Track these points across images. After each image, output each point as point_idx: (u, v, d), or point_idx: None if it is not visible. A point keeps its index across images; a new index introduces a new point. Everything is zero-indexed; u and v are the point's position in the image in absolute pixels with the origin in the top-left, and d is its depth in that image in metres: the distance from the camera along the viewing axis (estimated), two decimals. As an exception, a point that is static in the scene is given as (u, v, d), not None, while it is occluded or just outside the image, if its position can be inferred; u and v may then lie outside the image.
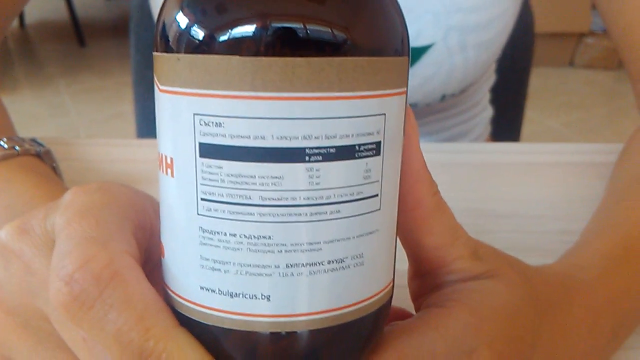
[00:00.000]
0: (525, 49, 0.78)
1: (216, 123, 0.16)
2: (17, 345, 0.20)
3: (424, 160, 0.20)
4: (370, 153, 0.17)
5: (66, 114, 2.13)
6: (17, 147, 0.32)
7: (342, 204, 0.17)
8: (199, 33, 0.16)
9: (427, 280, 0.22)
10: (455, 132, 0.61)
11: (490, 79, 0.66)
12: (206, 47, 0.16)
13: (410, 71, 0.47)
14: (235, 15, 0.16)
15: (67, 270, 0.17)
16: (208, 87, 0.16)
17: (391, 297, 0.20)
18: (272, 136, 0.16)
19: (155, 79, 0.17)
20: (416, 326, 0.20)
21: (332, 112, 0.16)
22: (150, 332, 0.17)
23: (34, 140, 0.34)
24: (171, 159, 0.17)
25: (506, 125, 0.76)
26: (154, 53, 0.18)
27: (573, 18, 2.44)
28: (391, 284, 0.20)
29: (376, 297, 0.19)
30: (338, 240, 0.17)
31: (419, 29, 0.45)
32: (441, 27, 0.45)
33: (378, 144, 0.17)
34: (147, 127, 0.75)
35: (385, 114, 0.17)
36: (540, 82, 2.47)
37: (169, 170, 0.17)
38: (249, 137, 0.16)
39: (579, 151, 0.48)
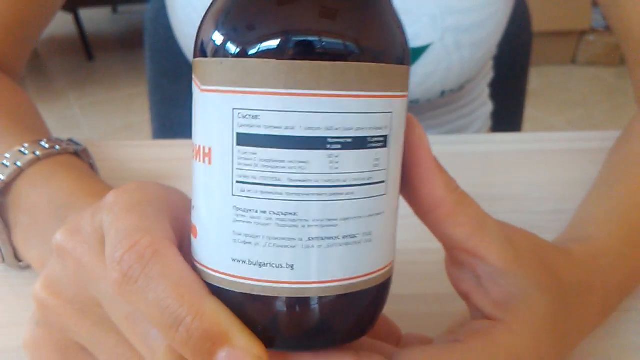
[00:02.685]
0: (523, 46, 0.81)
1: (252, 116, 0.19)
2: (78, 329, 0.23)
3: (438, 163, 0.22)
4: (379, 145, 0.20)
5: (77, 126, 2.17)
6: (57, 147, 0.35)
7: (355, 187, 0.20)
8: (242, 40, 0.19)
9: (464, 268, 0.24)
10: (456, 126, 0.64)
11: (488, 75, 0.69)
12: (247, 51, 0.19)
13: (411, 70, 0.50)
14: (276, 26, 0.19)
15: (119, 254, 0.20)
16: (247, 85, 0.18)
17: (392, 275, 0.23)
18: (300, 127, 0.18)
19: (196, 81, 0.20)
20: (483, 341, 0.22)
21: (350, 108, 0.19)
22: (184, 298, 0.19)
23: (71, 140, 0.37)
24: (209, 148, 0.20)
25: (506, 119, 0.79)
26: (195, 59, 0.20)
27: (574, 16, 2.46)
28: (392, 264, 0.23)
29: (381, 272, 0.21)
30: (352, 218, 0.20)
31: (417, 30, 0.48)
32: (438, 28, 0.48)
33: (385, 137, 0.20)
34: (163, 132, 0.79)
35: (392, 112, 0.20)
36: (543, 79, 2.49)
37: (207, 159, 0.20)
38: (281, 127, 0.18)
39: (572, 139, 0.51)
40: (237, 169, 0.19)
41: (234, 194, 0.19)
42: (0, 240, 0.33)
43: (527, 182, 0.45)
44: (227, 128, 0.19)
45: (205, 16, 0.21)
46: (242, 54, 0.19)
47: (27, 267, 0.35)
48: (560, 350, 0.25)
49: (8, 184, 0.33)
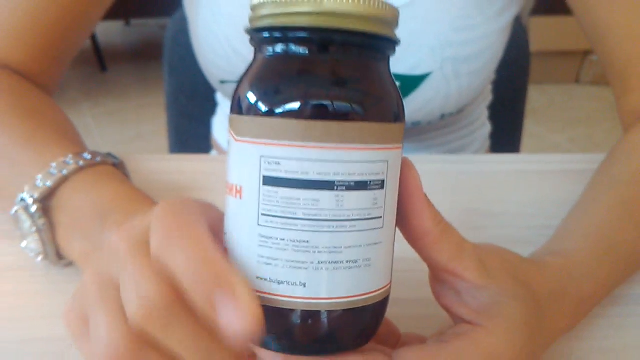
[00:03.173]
0: (521, 70, 0.85)
1: (276, 162, 0.23)
2: (88, 296, 0.26)
3: (428, 199, 0.27)
4: (377, 187, 0.24)
5: (90, 135, 2.22)
6: (97, 158, 0.39)
7: (357, 221, 0.24)
8: (269, 103, 0.23)
9: (446, 285, 0.29)
10: (456, 146, 0.68)
11: (487, 98, 0.73)
12: (273, 112, 0.23)
13: (412, 95, 0.54)
14: (295, 95, 0.23)
15: (163, 230, 0.23)
16: (272, 138, 0.23)
17: (389, 295, 0.27)
18: (314, 172, 0.23)
19: (232, 132, 0.25)
20: (466, 342, 0.26)
21: (353, 158, 0.23)
22: (207, 256, 0.22)
23: (109, 154, 0.42)
24: (240, 187, 0.24)
25: (505, 140, 0.83)
26: (231, 115, 0.25)
27: (578, 36, 2.48)
28: (389, 285, 0.27)
29: (379, 292, 0.26)
30: (354, 247, 0.24)
31: (418, 60, 0.52)
32: (437, 59, 0.52)
33: (383, 181, 0.24)
34: (179, 144, 0.83)
35: (388, 161, 0.24)
36: (547, 98, 2.52)
37: (238, 195, 0.24)
38: (298, 172, 0.23)
39: (562, 161, 0.55)
40: (263, 204, 0.24)
41: (260, 224, 0.24)
42: (45, 239, 0.37)
43: (520, 199, 0.49)
44: (256, 171, 0.24)
45: (240, 82, 0.25)
46: (269, 114, 0.23)
47: (68, 264, 0.39)
48: (534, 349, 0.29)
49: (53, 190, 0.37)
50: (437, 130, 0.65)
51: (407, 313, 0.34)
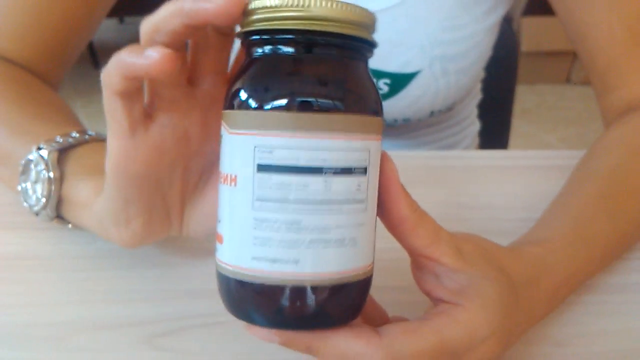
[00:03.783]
0: (509, 69, 0.87)
1: (268, 151, 0.25)
2: None
3: (404, 189, 0.28)
4: (361, 173, 0.26)
5: (83, 132, 2.22)
6: (86, 136, 0.41)
7: (343, 204, 0.26)
8: (262, 98, 0.26)
9: (425, 270, 0.30)
10: (446, 143, 0.70)
11: (476, 97, 0.75)
12: (265, 106, 0.25)
13: (401, 93, 0.56)
14: (287, 90, 0.25)
15: None
16: (265, 130, 0.25)
17: (372, 274, 0.29)
18: (303, 159, 0.25)
19: (226, 126, 0.27)
20: (445, 319, 0.28)
21: (339, 147, 0.25)
22: None
23: (98, 134, 0.43)
24: (235, 175, 0.26)
25: (493, 137, 0.85)
26: (225, 110, 0.27)
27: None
28: (372, 265, 0.29)
29: (364, 270, 0.28)
30: (341, 227, 0.26)
31: (408, 58, 0.54)
32: (426, 57, 0.54)
33: (365, 168, 0.26)
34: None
35: (369, 150, 0.27)
36: (538, 98, 2.55)
37: (233, 183, 0.26)
38: (289, 159, 0.25)
39: (544, 157, 0.57)
40: (257, 189, 0.26)
41: (254, 208, 0.26)
42: (53, 188, 0.38)
43: (505, 193, 0.51)
44: (250, 160, 0.26)
45: (233, 80, 0.27)
46: (262, 108, 0.25)
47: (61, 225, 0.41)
48: (511, 329, 0.31)
49: (72, 146, 0.40)
50: (428, 128, 0.67)
51: (394, 299, 0.35)
